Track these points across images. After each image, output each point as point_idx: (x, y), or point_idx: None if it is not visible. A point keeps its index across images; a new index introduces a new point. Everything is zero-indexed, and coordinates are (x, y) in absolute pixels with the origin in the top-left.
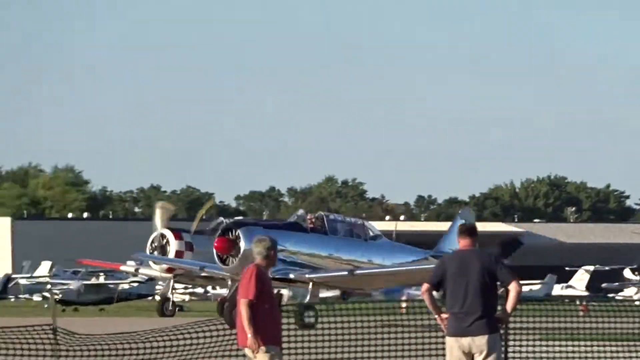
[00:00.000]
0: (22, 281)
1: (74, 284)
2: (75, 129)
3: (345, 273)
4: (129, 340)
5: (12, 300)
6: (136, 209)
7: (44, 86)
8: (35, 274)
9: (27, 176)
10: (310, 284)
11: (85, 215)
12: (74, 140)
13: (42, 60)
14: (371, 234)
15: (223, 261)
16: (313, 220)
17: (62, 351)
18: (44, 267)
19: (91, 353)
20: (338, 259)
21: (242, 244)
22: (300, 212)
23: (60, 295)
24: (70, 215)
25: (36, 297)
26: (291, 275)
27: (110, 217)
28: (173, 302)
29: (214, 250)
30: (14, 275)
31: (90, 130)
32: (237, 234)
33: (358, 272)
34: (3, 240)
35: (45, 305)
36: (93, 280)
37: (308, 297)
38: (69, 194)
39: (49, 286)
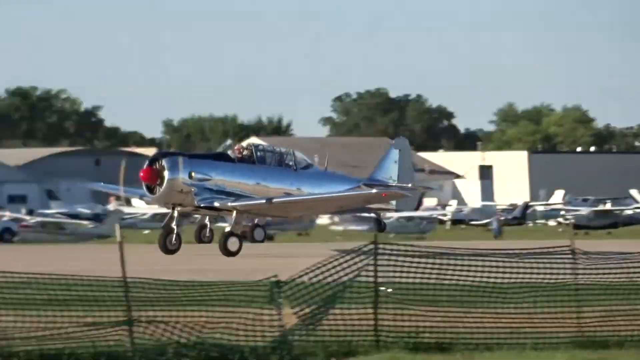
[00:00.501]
0: (539, 208)
1: (584, 210)
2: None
3: (264, 201)
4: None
5: (530, 225)
6: (636, 143)
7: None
8: (550, 202)
9: (540, 115)
10: (234, 212)
11: (591, 149)
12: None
13: None
14: (302, 164)
15: (151, 190)
16: (241, 150)
17: (579, 269)
18: (558, 195)
19: (605, 271)
20: (265, 187)
21: (166, 174)
22: (228, 142)
23: (573, 220)
24: (578, 149)
25: (551, 222)
26: (215, 204)
27: (614, 150)
28: (210, 229)
29: (141, 180)
30: (531, 203)
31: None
32: (161, 164)
33: (276, 200)
34: (521, 172)
35: (560, 230)
36: (600, 207)
37: (232, 224)
38: (577, 130)
39: (562, 212)
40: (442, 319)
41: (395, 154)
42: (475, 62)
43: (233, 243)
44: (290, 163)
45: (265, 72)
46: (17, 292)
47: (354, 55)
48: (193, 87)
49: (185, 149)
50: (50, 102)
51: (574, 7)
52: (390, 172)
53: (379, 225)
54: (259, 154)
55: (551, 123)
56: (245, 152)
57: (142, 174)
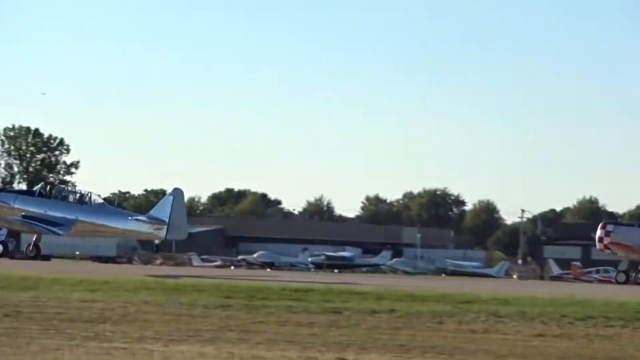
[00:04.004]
0: None
1: None
2: None
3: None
4: None
5: None
6: None
7: None
8: None
9: None
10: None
11: None
12: None
13: None
14: (94, 202)
15: None
16: (45, 189)
17: None
18: None
19: None
20: (50, 214)
21: None
22: (40, 184)
23: None
24: None
25: None
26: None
27: None
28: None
29: None
30: None
31: None
32: None
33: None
34: None
35: None
36: None
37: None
38: None
39: None
40: None
41: (170, 199)
42: None
43: None
44: (82, 200)
45: None
46: None
47: None
48: None
49: None
50: None
51: None
52: (165, 212)
53: (154, 248)
54: (56, 192)
55: None
56: (48, 191)
57: None
